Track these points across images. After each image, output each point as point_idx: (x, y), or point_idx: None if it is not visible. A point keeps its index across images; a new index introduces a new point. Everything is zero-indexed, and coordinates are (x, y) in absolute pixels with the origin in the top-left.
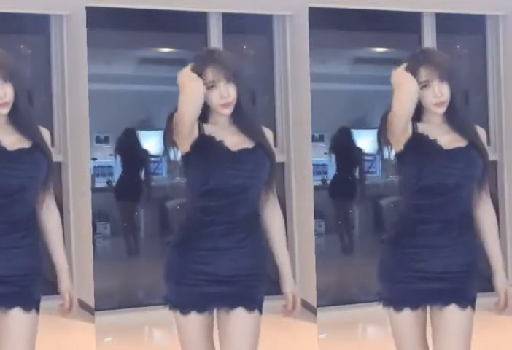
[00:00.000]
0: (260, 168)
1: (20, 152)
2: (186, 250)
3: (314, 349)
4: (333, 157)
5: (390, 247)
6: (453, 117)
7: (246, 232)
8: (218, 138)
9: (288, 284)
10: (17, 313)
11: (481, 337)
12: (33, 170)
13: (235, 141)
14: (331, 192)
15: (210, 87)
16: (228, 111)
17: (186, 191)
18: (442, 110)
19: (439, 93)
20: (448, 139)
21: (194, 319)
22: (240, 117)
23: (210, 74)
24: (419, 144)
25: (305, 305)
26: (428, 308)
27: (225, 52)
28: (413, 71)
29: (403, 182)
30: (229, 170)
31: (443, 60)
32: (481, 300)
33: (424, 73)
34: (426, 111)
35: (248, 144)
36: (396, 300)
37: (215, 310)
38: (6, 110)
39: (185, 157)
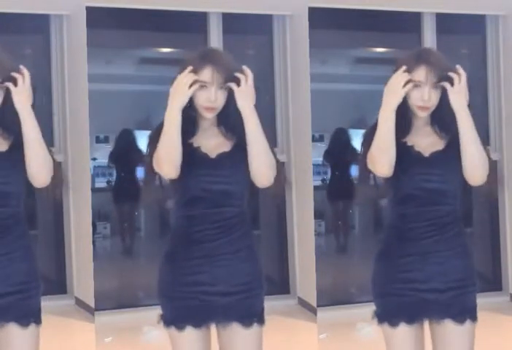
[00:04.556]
0: (238, 171)
1: None
2: (176, 262)
3: (314, 349)
4: (326, 160)
5: (380, 259)
6: (440, 120)
7: (236, 237)
8: (196, 144)
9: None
10: (13, 329)
11: (482, 337)
12: (12, 173)
13: (213, 145)
14: (329, 193)
15: (201, 86)
16: (211, 115)
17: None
18: (424, 114)
19: (427, 97)
20: (426, 143)
21: (190, 334)
22: (226, 119)
23: (206, 74)
24: (398, 152)
25: (305, 305)
26: (427, 322)
27: (226, 55)
28: (409, 68)
29: (387, 191)
30: (206, 177)
31: (444, 66)
32: (482, 300)
33: (419, 73)
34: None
35: (226, 147)
36: (390, 315)
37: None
38: None
39: None
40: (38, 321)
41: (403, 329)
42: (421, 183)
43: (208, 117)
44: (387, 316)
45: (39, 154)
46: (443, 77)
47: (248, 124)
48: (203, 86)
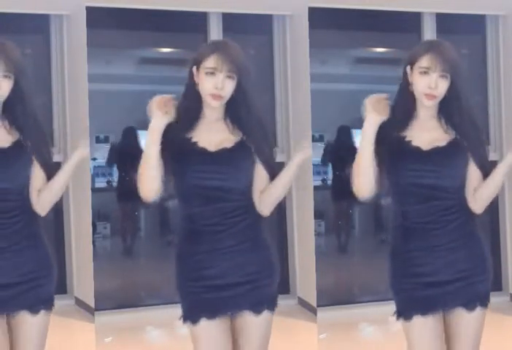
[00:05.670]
0: (238, 168)
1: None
2: (183, 259)
3: (314, 349)
4: (326, 160)
5: (390, 259)
6: (446, 114)
7: (238, 230)
8: (194, 138)
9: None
10: (24, 316)
11: (482, 337)
12: (10, 169)
13: (216, 140)
14: (331, 192)
15: (208, 73)
16: (217, 103)
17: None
18: (430, 103)
19: (434, 85)
20: (427, 138)
21: (205, 326)
22: (233, 110)
23: (213, 60)
24: (395, 147)
25: (305, 305)
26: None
27: (235, 46)
28: (417, 55)
29: (389, 190)
30: (204, 173)
31: (452, 56)
32: None
33: (427, 60)
34: (417, 105)
35: (228, 143)
36: (404, 309)
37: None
38: None
39: (166, 162)
40: (48, 307)
41: (418, 322)
42: (416, 179)
43: (214, 105)
44: (402, 311)
45: (47, 200)
46: (453, 73)
47: (285, 173)
48: (211, 73)
